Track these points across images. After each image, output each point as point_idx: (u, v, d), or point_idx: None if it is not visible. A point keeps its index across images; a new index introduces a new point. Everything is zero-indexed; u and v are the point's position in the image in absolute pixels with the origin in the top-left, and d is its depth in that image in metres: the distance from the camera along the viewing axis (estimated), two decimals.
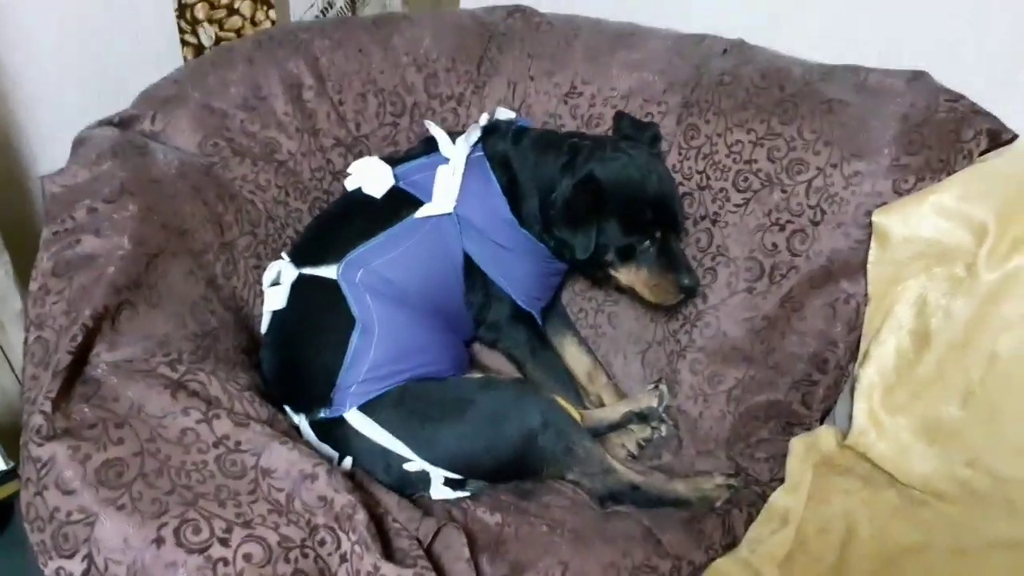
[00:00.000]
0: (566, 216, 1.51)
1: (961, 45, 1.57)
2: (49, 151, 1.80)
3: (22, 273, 1.52)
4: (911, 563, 1.20)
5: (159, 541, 0.97)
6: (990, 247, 1.29)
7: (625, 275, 1.56)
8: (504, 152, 1.61)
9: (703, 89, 1.64)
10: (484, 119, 1.70)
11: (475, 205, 1.56)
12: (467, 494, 1.37)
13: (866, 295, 1.40)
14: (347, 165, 1.72)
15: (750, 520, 1.34)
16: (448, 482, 1.36)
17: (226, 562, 0.97)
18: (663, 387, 1.62)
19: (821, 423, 1.46)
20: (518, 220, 1.58)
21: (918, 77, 1.48)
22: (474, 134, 1.63)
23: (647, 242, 1.51)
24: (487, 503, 1.31)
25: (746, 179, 1.54)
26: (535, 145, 1.61)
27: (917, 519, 1.25)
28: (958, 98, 1.43)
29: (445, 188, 1.55)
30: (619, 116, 1.69)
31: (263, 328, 1.49)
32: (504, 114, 1.76)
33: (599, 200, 1.49)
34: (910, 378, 1.32)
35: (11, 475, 1.52)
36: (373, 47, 1.79)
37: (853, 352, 1.43)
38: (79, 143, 1.45)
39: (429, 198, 1.55)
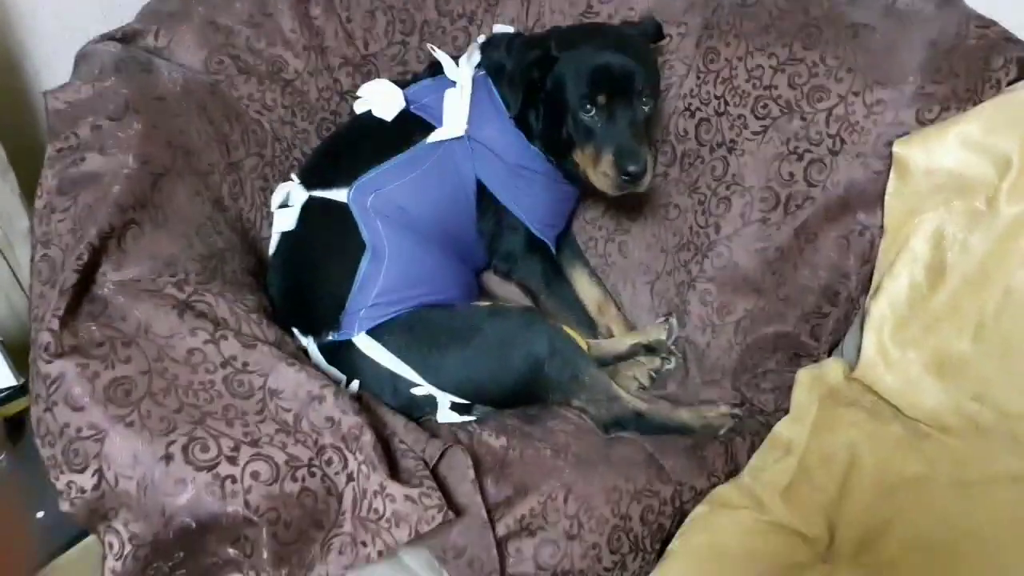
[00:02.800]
0: (508, 69, 1.48)
1: None
2: (52, 67, 1.77)
3: (28, 191, 1.51)
4: (912, 494, 1.21)
5: (168, 458, 0.99)
6: (1013, 180, 1.26)
7: (579, 156, 1.50)
8: (499, 61, 1.56)
9: (724, 11, 1.58)
10: (482, 38, 1.65)
11: (485, 126, 1.53)
12: (473, 418, 1.38)
13: (882, 227, 1.38)
14: (355, 85, 1.68)
15: (753, 449, 1.35)
16: (455, 407, 1.38)
17: (234, 479, 0.99)
18: (672, 320, 1.62)
19: (829, 356, 1.46)
20: (526, 135, 1.55)
21: (948, 2, 1.42)
22: (476, 54, 1.59)
23: (591, 107, 1.44)
24: (492, 427, 1.32)
25: (765, 106, 1.50)
26: (525, 43, 1.54)
27: (920, 451, 1.25)
28: (989, 24, 1.37)
29: (454, 111, 1.52)
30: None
31: (271, 250, 1.48)
32: (502, 29, 1.70)
33: (547, 59, 1.46)
34: (923, 312, 1.31)
35: (22, 391, 1.54)
36: None
37: (865, 285, 1.41)
38: (81, 58, 1.42)
39: (439, 122, 1.52)
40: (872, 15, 1.45)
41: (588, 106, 1.44)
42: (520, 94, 1.47)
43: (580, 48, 1.46)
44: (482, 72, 1.57)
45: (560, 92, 1.46)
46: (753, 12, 1.55)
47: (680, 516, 1.26)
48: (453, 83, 1.55)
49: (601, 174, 1.45)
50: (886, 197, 1.36)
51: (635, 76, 1.44)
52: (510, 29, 1.70)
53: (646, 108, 1.47)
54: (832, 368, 1.37)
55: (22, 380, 1.53)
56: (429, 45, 1.64)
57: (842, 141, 1.42)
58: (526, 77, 1.46)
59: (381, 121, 1.52)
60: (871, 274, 1.40)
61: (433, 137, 1.50)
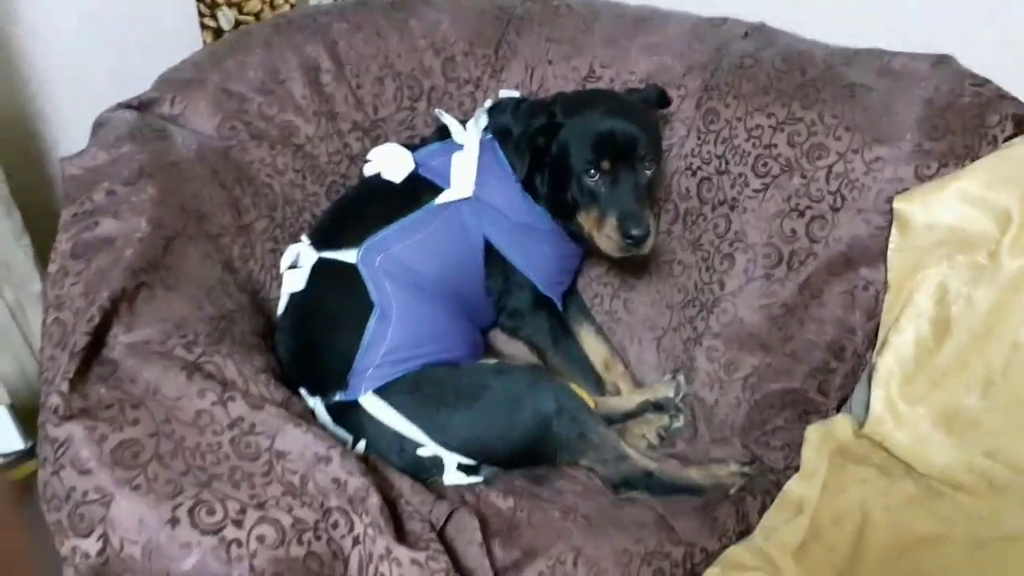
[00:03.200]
0: (515, 135, 1.51)
1: (987, 28, 1.54)
2: (69, 134, 1.82)
3: (42, 255, 1.53)
4: (927, 554, 1.19)
5: (174, 521, 0.98)
6: (1014, 235, 1.27)
7: (584, 219, 1.52)
8: (505, 125, 1.59)
9: (723, 73, 1.62)
10: (489, 102, 1.69)
11: (493, 187, 1.56)
12: (480, 480, 1.37)
13: (886, 282, 1.39)
14: (364, 149, 1.72)
15: (764, 508, 1.33)
16: (461, 467, 1.37)
17: (240, 543, 0.98)
18: (680, 378, 1.61)
19: (837, 411, 1.45)
20: (532, 196, 1.58)
21: (943, 61, 1.45)
22: (483, 117, 1.63)
23: (595, 172, 1.47)
24: (500, 488, 1.31)
25: (766, 164, 1.52)
26: (530, 109, 1.58)
27: (934, 510, 1.23)
28: (983, 82, 1.40)
29: (462, 173, 1.55)
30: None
31: (280, 310, 1.49)
32: (507, 94, 1.74)
33: (552, 126, 1.49)
34: (929, 367, 1.30)
35: (29, 454, 1.54)
36: (391, 31, 1.79)
37: (871, 340, 1.41)
38: (99, 126, 1.46)
39: (447, 184, 1.55)
40: (868, 75, 1.48)
41: (592, 171, 1.47)
42: (526, 159, 1.50)
43: (584, 114, 1.49)
44: (489, 135, 1.61)
45: (565, 157, 1.49)
46: (752, 74, 1.58)
47: None
48: (461, 146, 1.58)
49: (605, 237, 1.48)
50: (889, 252, 1.38)
51: (637, 142, 1.47)
52: (515, 94, 1.74)
53: (648, 172, 1.50)
54: (841, 424, 1.36)
55: (29, 444, 1.54)
56: (437, 110, 1.69)
57: (843, 198, 1.44)
58: (532, 143, 1.50)
59: (390, 183, 1.55)
60: (877, 329, 1.40)
61: (441, 198, 1.53)
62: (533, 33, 1.83)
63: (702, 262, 1.61)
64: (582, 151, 1.48)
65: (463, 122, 1.63)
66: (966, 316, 1.29)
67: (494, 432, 1.36)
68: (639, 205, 1.47)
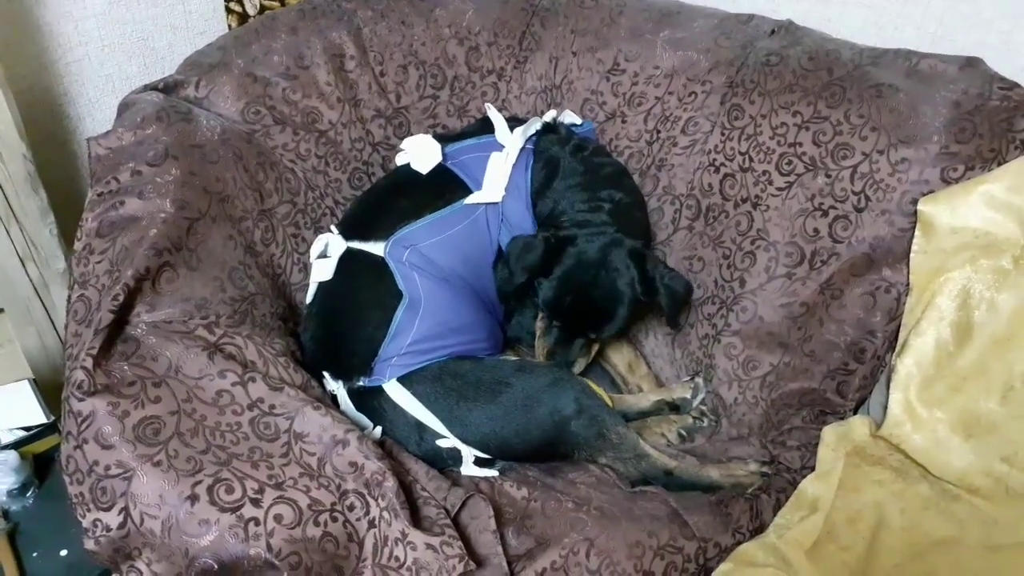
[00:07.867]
0: (520, 247, 1.52)
1: (1017, 32, 1.52)
2: (95, 115, 1.83)
3: (66, 234, 1.55)
4: (942, 557, 1.18)
5: (193, 498, 0.99)
6: None
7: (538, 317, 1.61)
8: (556, 156, 1.61)
9: (749, 69, 1.61)
10: (550, 115, 1.68)
11: (511, 199, 1.58)
12: (496, 473, 1.37)
13: (907, 285, 1.38)
14: (387, 136, 1.72)
15: (779, 506, 1.33)
16: (478, 460, 1.37)
17: (257, 522, 0.99)
18: (699, 380, 1.61)
19: (855, 413, 1.44)
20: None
21: (971, 63, 1.44)
22: (534, 126, 1.63)
23: (551, 320, 1.56)
24: (514, 477, 1.31)
25: (790, 162, 1.52)
26: (587, 169, 1.60)
27: (949, 513, 1.23)
28: (1012, 86, 1.39)
29: (496, 176, 1.55)
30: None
31: (308, 298, 1.50)
32: (570, 117, 1.74)
33: (548, 262, 1.50)
34: (949, 371, 1.30)
35: (52, 429, 1.56)
36: (416, 19, 1.79)
37: (891, 342, 1.40)
38: (124, 107, 1.47)
39: (474, 182, 1.56)
40: (895, 76, 1.47)
41: (547, 319, 1.57)
42: (513, 281, 1.52)
43: (578, 276, 1.51)
44: (530, 147, 1.61)
45: (542, 287, 1.53)
46: (777, 71, 1.57)
47: (704, 573, 1.24)
48: (498, 146, 1.59)
49: (537, 343, 1.59)
50: (911, 254, 1.37)
51: (596, 326, 1.55)
52: (578, 120, 1.74)
53: (595, 337, 1.58)
54: (857, 425, 1.35)
55: (52, 418, 1.56)
56: (487, 104, 1.69)
57: (867, 198, 1.43)
58: (526, 269, 1.51)
59: (418, 175, 1.56)
60: (897, 331, 1.39)
61: (471, 199, 1.53)
62: (558, 24, 1.83)
63: (723, 259, 1.61)
64: (547, 302, 1.53)
65: (511, 123, 1.63)
66: (989, 320, 1.28)
67: (512, 429, 1.36)
68: (572, 353, 1.56)
